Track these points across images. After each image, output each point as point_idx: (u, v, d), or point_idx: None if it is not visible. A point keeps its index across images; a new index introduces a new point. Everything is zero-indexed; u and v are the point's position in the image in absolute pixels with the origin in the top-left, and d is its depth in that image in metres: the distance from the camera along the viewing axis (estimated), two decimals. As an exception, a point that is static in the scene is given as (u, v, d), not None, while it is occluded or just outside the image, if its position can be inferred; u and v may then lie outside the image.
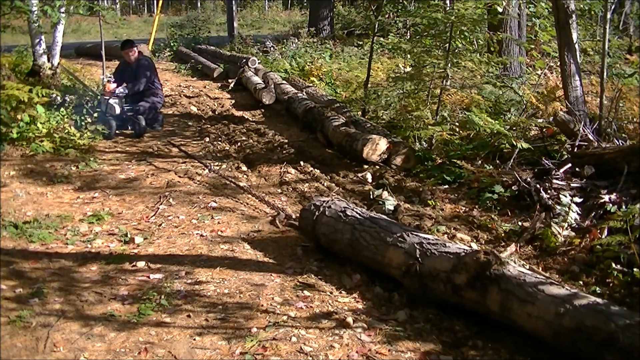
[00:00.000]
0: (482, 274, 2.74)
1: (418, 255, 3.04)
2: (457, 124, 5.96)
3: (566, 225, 3.65)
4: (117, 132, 6.67)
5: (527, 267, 3.28)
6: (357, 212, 3.55)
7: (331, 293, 3.14)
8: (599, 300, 2.53)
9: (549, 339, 2.52)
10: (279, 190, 4.96)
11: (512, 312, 2.62)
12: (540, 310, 2.52)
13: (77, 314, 2.91)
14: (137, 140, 6.60)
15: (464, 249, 2.98)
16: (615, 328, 2.31)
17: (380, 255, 3.24)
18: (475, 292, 2.77)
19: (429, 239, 3.14)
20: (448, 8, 6.87)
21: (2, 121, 5.68)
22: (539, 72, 7.67)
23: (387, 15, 9.89)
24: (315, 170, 5.42)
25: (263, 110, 8.31)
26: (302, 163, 5.61)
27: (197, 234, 3.99)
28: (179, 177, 5.26)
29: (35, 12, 7.12)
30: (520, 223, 3.93)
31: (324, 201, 3.76)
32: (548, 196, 4.01)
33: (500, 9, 6.23)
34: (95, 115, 6.32)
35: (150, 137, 6.75)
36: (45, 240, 3.84)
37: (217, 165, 5.57)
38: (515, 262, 3.31)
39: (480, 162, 4.99)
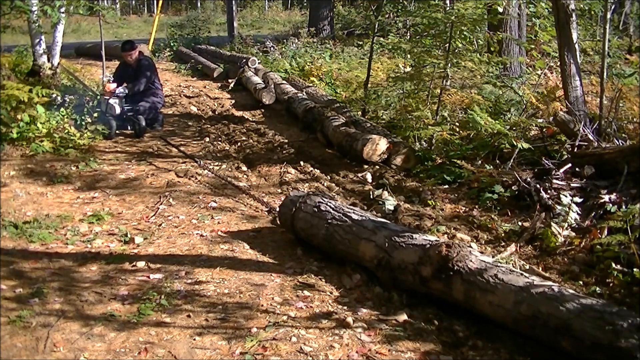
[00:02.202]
0: (445, 266, 2.84)
1: (387, 248, 3.16)
2: (457, 124, 5.96)
3: (566, 225, 3.65)
4: (117, 132, 6.66)
5: (527, 267, 3.29)
6: (330, 207, 3.64)
7: (331, 293, 3.14)
8: (555, 287, 2.60)
9: (510, 326, 2.64)
10: (279, 190, 4.96)
11: (476, 301, 2.74)
12: (500, 299, 2.64)
13: (77, 314, 2.91)
14: (137, 140, 6.60)
15: (429, 241, 3.06)
16: (568, 315, 2.40)
17: (353, 249, 3.35)
18: (441, 282, 2.87)
19: (397, 232, 3.24)
20: (448, 8, 6.87)
21: (2, 121, 5.67)
22: (539, 72, 7.66)
23: (387, 15, 9.89)
24: (315, 170, 5.42)
25: (263, 110, 8.31)
26: (302, 163, 5.61)
27: (197, 234, 3.99)
28: (179, 177, 5.26)
29: (35, 12, 7.12)
30: (520, 223, 3.93)
31: (299, 197, 3.84)
32: (548, 196, 4.01)
33: (500, 9, 6.23)
34: (95, 115, 6.33)
35: (150, 137, 6.75)
36: (45, 240, 3.84)
37: (217, 165, 5.58)
38: (516, 262, 3.32)
39: (480, 162, 4.99)
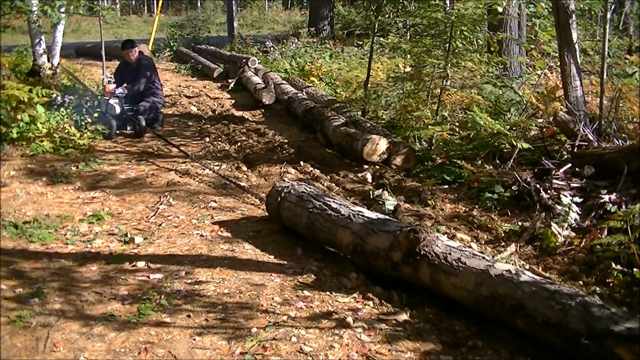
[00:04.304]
0: (413, 251, 2.95)
1: (362, 235, 3.26)
2: (457, 124, 5.96)
3: (566, 225, 3.65)
4: (117, 132, 6.67)
5: (527, 266, 3.29)
6: (312, 196, 3.78)
7: (331, 293, 3.14)
8: (512, 269, 2.71)
9: (472, 306, 2.79)
10: (279, 190, 4.96)
11: (441, 284, 2.90)
12: (462, 282, 2.79)
13: (77, 314, 2.91)
14: (137, 140, 6.59)
15: (399, 227, 3.16)
16: (522, 295, 2.55)
17: (332, 236, 3.49)
18: (410, 267, 3.02)
19: (371, 219, 3.36)
20: (448, 8, 6.87)
21: (2, 121, 5.68)
22: (539, 72, 7.67)
23: (387, 15, 9.89)
24: (315, 170, 5.42)
25: (263, 110, 8.31)
26: (302, 163, 5.62)
27: (197, 234, 3.99)
28: (179, 176, 5.26)
29: (35, 12, 7.11)
30: (520, 223, 3.93)
31: (284, 187, 3.99)
32: (548, 196, 4.01)
33: (500, 9, 6.24)
34: (95, 115, 6.33)
35: (150, 137, 6.75)
36: (45, 240, 3.84)
37: (217, 165, 5.58)
38: (516, 262, 3.32)
39: (480, 162, 4.99)
